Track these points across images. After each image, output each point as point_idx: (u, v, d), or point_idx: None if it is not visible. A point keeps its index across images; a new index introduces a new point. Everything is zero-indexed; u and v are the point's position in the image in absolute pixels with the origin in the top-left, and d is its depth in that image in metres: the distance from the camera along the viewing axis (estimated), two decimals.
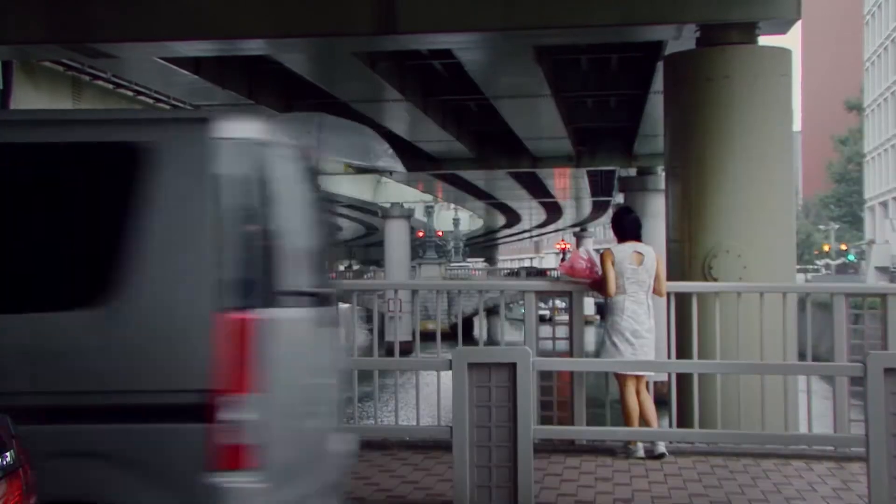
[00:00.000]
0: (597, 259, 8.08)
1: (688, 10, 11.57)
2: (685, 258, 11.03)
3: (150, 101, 30.22)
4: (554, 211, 71.22)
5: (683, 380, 8.43)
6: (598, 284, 8.05)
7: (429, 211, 73.62)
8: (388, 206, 59.54)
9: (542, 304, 8.93)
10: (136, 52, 15.52)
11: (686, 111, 11.43)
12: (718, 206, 10.88)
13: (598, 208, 66.41)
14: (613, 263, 7.94)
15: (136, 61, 20.61)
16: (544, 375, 8.23)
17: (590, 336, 15.09)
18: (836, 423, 8.00)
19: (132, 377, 4.25)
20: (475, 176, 45.50)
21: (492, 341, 52.73)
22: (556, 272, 54.70)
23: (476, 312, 62.52)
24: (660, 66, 17.66)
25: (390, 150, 10.53)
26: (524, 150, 35.08)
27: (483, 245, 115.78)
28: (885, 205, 73.72)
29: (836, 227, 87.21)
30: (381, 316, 15.41)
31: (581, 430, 8.06)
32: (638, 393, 7.96)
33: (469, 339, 50.60)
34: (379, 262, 77.43)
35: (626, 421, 7.93)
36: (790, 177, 11.38)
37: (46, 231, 4.40)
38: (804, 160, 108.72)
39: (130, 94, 28.93)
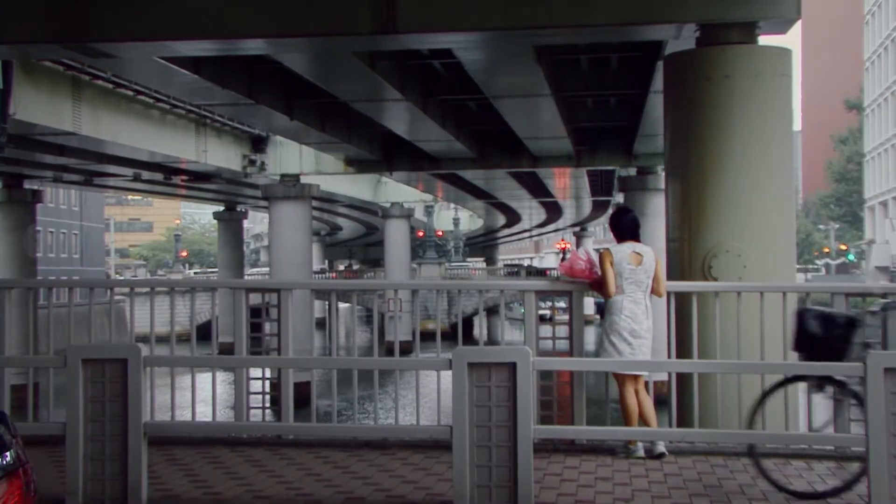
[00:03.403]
0: (596, 259, 8.08)
1: (688, 10, 11.56)
2: (685, 258, 11.03)
3: (150, 100, 30.24)
4: (554, 211, 71.17)
5: (683, 379, 8.43)
6: (598, 284, 8.05)
7: (429, 211, 73.59)
8: (388, 205, 59.51)
9: (542, 304, 8.91)
10: (136, 52, 15.51)
11: (686, 111, 11.42)
12: (718, 206, 10.88)
13: (598, 208, 66.38)
14: (612, 263, 7.93)
15: (136, 61, 20.61)
16: (544, 375, 8.23)
17: (590, 336, 15.08)
18: (836, 423, 7.99)
19: None
20: (475, 176, 45.46)
21: (492, 341, 52.77)
22: (555, 272, 54.67)
23: (476, 312, 62.53)
24: (660, 65, 17.67)
25: None
26: (524, 149, 35.05)
27: (483, 245, 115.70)
28: (885, 204, 73.65)
29: (836, 226, 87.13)
30: (381, 316, 15.35)
31: (581, 430, 8.05)
32: (637, 392, 7.96)
33: (469, 338, 50.62)
34: (379, 262, 77.39)
35: (626, 420, 7.94)
36: (790, 176, 11.38)
37: None
38: (804, 160, 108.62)
39: (130, 93, 28.93)
